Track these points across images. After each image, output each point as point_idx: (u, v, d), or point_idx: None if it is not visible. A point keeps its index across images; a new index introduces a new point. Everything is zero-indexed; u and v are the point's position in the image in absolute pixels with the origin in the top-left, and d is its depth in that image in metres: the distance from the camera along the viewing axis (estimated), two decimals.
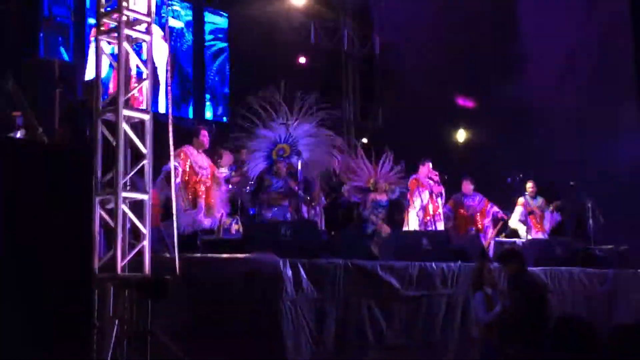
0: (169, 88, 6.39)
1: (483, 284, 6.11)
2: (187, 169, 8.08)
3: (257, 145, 9.10)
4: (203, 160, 8.30)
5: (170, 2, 12.79)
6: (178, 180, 7.59)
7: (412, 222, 9.99)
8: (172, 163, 5.93)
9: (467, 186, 11.03)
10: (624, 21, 13.08)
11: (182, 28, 13.59)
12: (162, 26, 6.54)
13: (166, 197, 7.28)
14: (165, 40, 8.87)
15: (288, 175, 9.14)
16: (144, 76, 5.32)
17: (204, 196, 8.22)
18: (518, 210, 11.25)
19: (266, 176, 9.09)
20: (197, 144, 8.26)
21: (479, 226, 10.80)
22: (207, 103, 14.02)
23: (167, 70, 8.99)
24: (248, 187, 9.03)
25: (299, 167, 8.67)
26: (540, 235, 10.83)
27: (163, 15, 10.51)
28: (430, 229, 9.78)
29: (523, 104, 13.70)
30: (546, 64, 13.64)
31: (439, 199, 10.26)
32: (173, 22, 13.20)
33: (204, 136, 8.30)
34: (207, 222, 8.18)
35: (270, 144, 9.09)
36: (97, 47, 5.31)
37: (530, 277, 6.38)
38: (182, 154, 8.01)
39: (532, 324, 5.73)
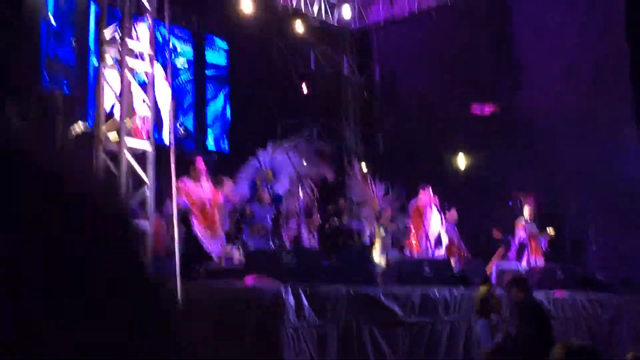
0: (171, 122, 6.43)
1: (487, 311, 6.11)
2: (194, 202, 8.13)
3: (243, 173, 9.19)
4: (201, 191, 8.31)
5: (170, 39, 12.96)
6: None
7: (416, 248, 10.04)
8: (174, 191, 5.97)
9: (453, 215, 11.07)
10: (620, 30, 13.16)
11: (184, 66, 13.78)
12: (164, 65, 6.63)
13: None
14: (167, 79, 8.99)
15: (272, 202, 9.14)
16: (146, 107, 5.39)
17: (203, 225, 8.25)
18: (518, 232, 11.28)
19: (249, 205, 9.09)
20: (194, 173, 8.27)
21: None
22: (210, 132, 14.12)
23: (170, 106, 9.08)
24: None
25: (281, 192, 8.72)
26: (539, 259, 10.86)
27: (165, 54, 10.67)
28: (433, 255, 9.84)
29: (522, 124, 13.76)
30: (544, 79, 13.72)
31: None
32: (178, 62, 13.41)
33: (199, 162, 8.33)
34: (211, 246, 8.22)
35: (255, 171, 9.15)
36: (100, 78, 5.38)
37: (534, 304, 6.36)
38: (179, 191, 8.04)
39: (537, 351, 5.72)
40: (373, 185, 10.12)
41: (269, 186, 9.05)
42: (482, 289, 6.45)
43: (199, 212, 8.14)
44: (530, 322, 5.90)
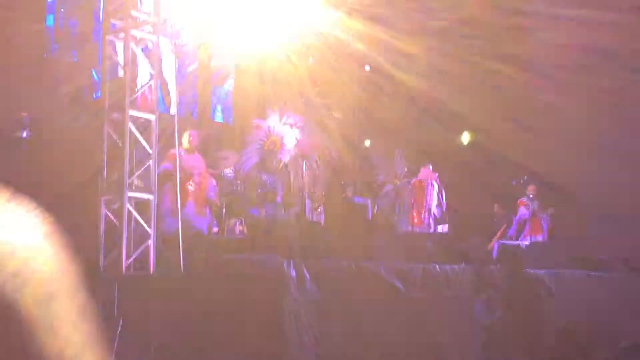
0: (177, 91, 6.40)
1: (488, 287, 6.16)
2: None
3: (251, 137, 9.13)
4: (194, 161, 8.29)
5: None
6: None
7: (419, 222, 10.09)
8: (177, 162, 5.97)
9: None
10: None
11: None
12: (170, 36, 6.63)
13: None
14: (173, 52, 8.92)
15: (280, 171, 9.14)
16: (151, 76, 5.37)
17: (192, 196, 8.22)
18: (521, 210, 11.30)
19: (256, 173, 9.09)
20: (186, 145, 8.26)
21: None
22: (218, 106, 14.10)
23: (175, 77, 9.03)
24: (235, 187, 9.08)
25: (287, 160, 8.71)
26: (539, 238, 10.88)
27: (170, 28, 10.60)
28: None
29: (529, 104, 13.70)
30: (553, 66, 13.62)
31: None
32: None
33: (192, 136, 8.31)
34: (198, 222, 8.19)
35: (263, 135, 9.10)
36: (104, 48, 5.35)
37: (527, 278, 6.40)
38: (171, 157, 8.02)
39: (528, 324, 5.77)
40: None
41: (275, 153, 9.02)
42: (483, 265, 6.49)
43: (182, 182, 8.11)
44: (522, 295, 5.94)
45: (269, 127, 9.14)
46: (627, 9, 12.39)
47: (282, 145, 9.03)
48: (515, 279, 6.12)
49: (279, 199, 8.94)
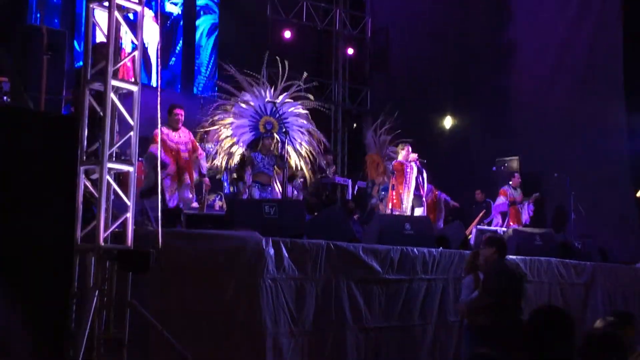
0: (159, 63, 6.32)
1: (474, 269, 6.24)
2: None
3: (241, 112, 9.03)
4: (180, 136, 8.21)
5: None
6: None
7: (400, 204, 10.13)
8: (159, 135, 5.91)
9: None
10: (616, 17, 13.12)
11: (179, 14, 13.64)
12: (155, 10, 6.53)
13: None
14: (156, 22, 8.80)
15: (273, 152, 9.11)
16: (134, 47, 5.28)
17: (187, 170, 8.18)
18: (500, 199, 11.40)
19: (251, 154, 9.06)
20: (171, 122, 8.18)
21: None
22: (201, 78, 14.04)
23: (157, 49, 8.91)
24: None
25: (286, 146, 8.66)
26: (519, 226, 10.98)
27: None
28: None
29: (512, 94, 13.76)
30: (538, 57, 13.68)
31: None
32: (170, 7, 13.21)
33: (177, 115, 8.21)
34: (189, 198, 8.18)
35: (255, 113, 9.02)
36: (88, 16, 5.25)
37: (505, 264, 6.44)
38: (156, 137, 7.94)
39: (503, 309, 5.82)
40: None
41: (272, 134, 8.95)
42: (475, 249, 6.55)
43: (172, 159, 8.04)
44: (499, 281, 5.98)
45: (259, 105, 9.08)
46: None
47: (281, 127, 8.97)
48: (490, 264, 6.17)
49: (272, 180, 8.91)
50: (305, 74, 9.49)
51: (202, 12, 14.16)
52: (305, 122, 9.23)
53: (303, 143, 9.11)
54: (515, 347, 3.65)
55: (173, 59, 13.41)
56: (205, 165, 8.54)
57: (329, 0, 16.23)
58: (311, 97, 9.83)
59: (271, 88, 9.12)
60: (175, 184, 8.03)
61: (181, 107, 8.37)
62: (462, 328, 6.55)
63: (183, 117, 8.23)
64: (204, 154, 8.67)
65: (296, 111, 9.20)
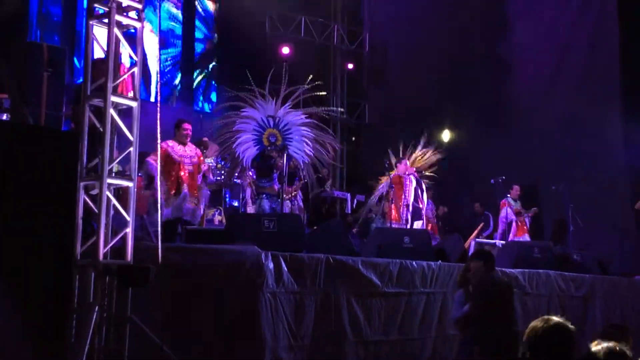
0: (158, 78, 6.36)
1: (466, 282, 6.20)
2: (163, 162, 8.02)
3: (243, 127, 9.02)
4: (185, 150, 8.24)
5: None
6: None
7: (397, 217, 10.14)
8: (158, 150, 5.94)
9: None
10: (612, 25, 13.21)
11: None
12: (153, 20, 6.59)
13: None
14: (156, 34, 8.85)
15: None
16: (134, 63, 5.32)
17: (187, 182, 8.18)
18: (504, 211, 11.37)
19: (256, 181, 9.02)
20: (179, 137, 8.21)
21: None
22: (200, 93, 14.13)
23: (159, 62, 8.95)
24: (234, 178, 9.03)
25: (284, 159, 8.64)
26: (526, 237, 11.00)
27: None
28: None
29: (509, 106, 13.80)
30: (535, 68, 13.75)
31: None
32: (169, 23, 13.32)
33: (186, 130, 8.25)
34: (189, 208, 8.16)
35: (258, 126, 9.00)
36: (88, 32, 5.29)
37: (493, 278, 6.41)
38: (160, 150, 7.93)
39: (491, 323, 5.79)
40: None
41: (277, 147, 8.91)
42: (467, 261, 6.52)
43: (173, 169, 8.04)
44: (486, 295, 5.94)
45: (262, 118, 9.05)
46: None
47: (284, 139, 8.93)
48: (479, 277, 6.13)
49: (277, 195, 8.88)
50: (310, 77, 9.48)
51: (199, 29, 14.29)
52: (309, 130, 9.18)
53: (307, 152, 9.07)
54: (508, 358, 3.66)
55: (168, 75, 13.48)
56: (211, 177, 8.61)
57: (327, 15, 16.31)
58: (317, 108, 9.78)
59: (273, 99, 9.12)
60: (171, 196, 8.03)
61: (189, 122, 8.44)
62: (459, 343, 6.51)
63: (191, 132, 8.31)
64: (210, 168, 8.72)
65: (300, 120, 9.16)
